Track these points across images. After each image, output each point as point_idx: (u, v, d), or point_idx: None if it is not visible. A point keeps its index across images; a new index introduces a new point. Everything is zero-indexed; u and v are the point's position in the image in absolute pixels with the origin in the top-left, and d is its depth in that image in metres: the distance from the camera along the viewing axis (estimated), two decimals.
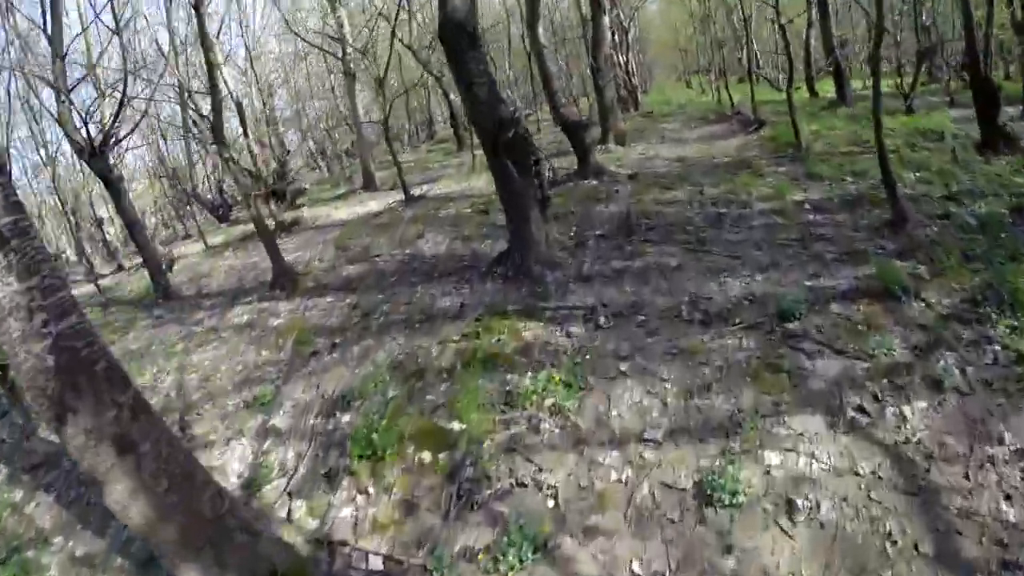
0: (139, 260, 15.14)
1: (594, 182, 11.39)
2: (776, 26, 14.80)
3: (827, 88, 22.13)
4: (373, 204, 15.34)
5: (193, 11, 9.48)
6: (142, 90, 13.94)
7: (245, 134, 16.21)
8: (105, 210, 23.94)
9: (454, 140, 24.58)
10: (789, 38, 14.97)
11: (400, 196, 14.59)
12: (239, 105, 16.44)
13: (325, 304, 8.74)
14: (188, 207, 23.82)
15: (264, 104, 21.36)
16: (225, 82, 16.72)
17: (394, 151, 14.62)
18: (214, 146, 20.83)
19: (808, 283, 6.32)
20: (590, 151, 11.92)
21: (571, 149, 12.54)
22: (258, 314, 9.37)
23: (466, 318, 6.97)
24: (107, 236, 23.77)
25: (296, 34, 19.36)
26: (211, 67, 9.75)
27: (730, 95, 19.54)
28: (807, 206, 8.44)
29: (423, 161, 23.00)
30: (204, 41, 9.63)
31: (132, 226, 13.38)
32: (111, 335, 11.67)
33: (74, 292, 4.00)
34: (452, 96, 23.91)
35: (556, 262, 7.76)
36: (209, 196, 23.61)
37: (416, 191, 14.67)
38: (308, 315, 8.51)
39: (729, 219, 8.42)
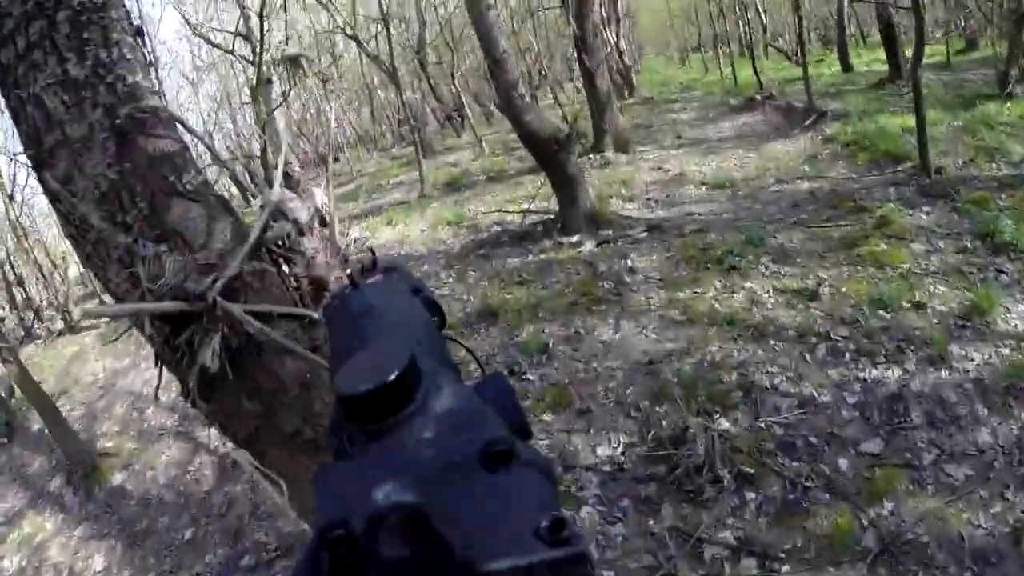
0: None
1: (587, 246, 6.20)
2: None
3: (863, 59, 16.83)
4: None
5: None
6: None
7: None
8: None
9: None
10: None
11: None
12: None
13: None
14: None
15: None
16: None
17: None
18: None
19: None
20: (577, 185, 6.70)
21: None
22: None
23: None
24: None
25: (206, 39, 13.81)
26: None
27: (757, 74, 14.20)
28: None
29: (378, 175, 17.78)
30: None
31: None
32: None
33: None
34: (407, 93, 18.60)
35: None
36: None
37: None
38: None
39: (950, 444, 3.29)
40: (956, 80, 11.17)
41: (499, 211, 8.26)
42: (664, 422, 3.46)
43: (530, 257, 6.43)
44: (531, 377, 4.02)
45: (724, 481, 3.13)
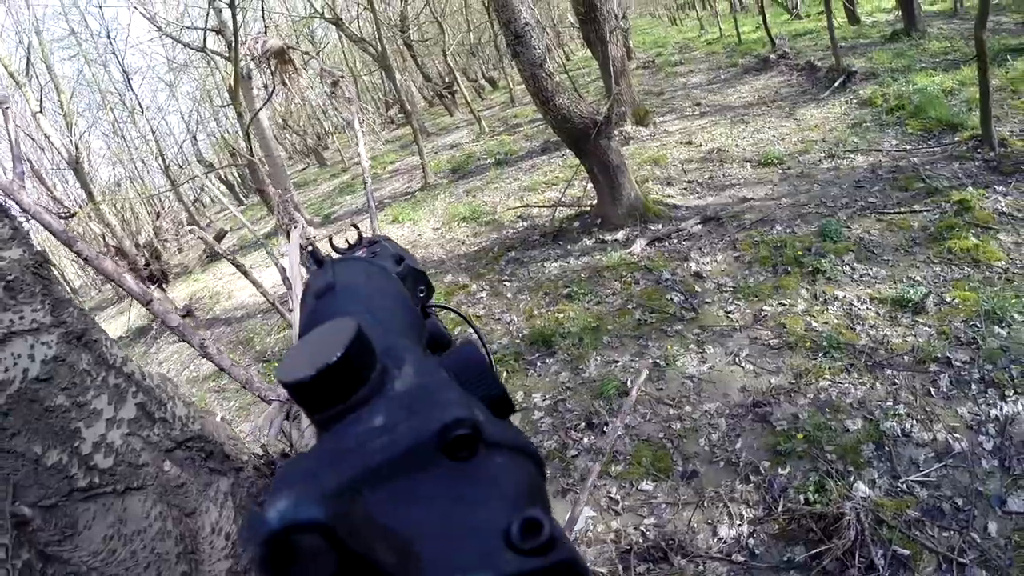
0: None
1: (637, 245, 5.51)
2: None
3: (865, 8, 15.86)
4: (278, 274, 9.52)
5: None
6: None
7: (90, 197, 10.26)
8: None
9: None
10: None
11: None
12: (76, 164, 10.37)
13: None
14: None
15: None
16: (47, 137, 10.60)
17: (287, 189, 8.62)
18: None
19: None
20: (620, 173, 5.99)
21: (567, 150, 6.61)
22: None
23: None
24: None
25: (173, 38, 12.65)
26: None
27: (768, 31, 13.28)
28: None
29: (376, 162, 16.87)
30: None
31: None
32: None
33: None
34: (400, 77, 17.55)
35: None
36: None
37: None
38: None
39: None
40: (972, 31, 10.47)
41: (524, 205, 7.52)
42: (792, 490, 2.86)
43: (571, 260, 5.74)
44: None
45: (879, 569, 2.55)
